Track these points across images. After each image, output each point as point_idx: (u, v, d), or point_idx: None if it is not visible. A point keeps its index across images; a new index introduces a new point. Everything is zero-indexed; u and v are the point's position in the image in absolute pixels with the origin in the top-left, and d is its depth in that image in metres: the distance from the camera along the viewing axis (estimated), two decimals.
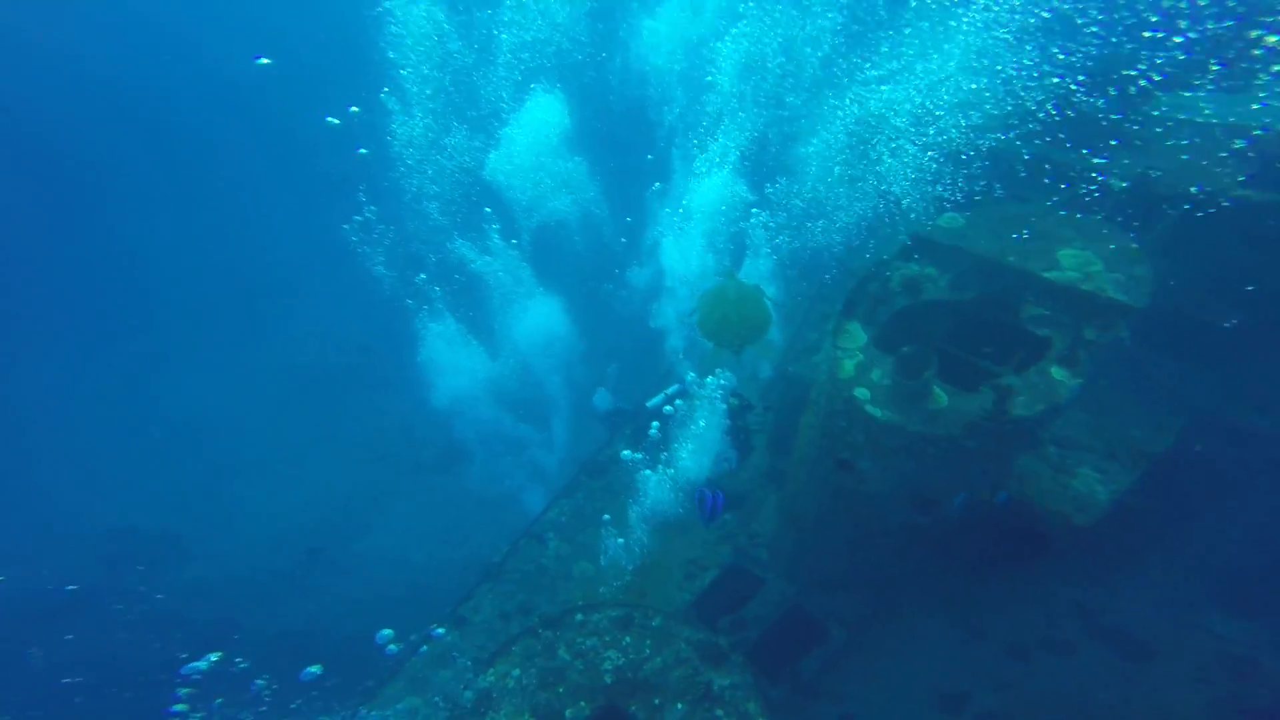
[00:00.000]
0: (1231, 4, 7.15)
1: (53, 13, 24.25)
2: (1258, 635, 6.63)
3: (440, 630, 8.10)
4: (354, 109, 14.35)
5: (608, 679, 6.27)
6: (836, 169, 8.27)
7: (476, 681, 6.42)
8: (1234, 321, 6.64)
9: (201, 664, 8.01)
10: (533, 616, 8.04)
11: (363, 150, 14.21)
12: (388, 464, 16.21)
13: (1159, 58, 7.43)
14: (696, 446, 8.03)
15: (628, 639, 6.62)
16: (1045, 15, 7.23)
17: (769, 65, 11.39)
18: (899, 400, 5.57)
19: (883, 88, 8.01)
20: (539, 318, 13.56)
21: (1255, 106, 7.16)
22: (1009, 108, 7.36)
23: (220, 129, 26.03)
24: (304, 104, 19.14)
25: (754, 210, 10.00)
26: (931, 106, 7.42)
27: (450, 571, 10.91)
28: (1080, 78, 7.27)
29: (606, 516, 8.63)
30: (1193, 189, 6.56)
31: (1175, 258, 6.54)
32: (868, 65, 8.66)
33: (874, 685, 6.96)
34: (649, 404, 9.79)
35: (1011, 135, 7.41)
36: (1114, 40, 7.43)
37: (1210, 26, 7.27)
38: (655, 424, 9.06)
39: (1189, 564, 7.17)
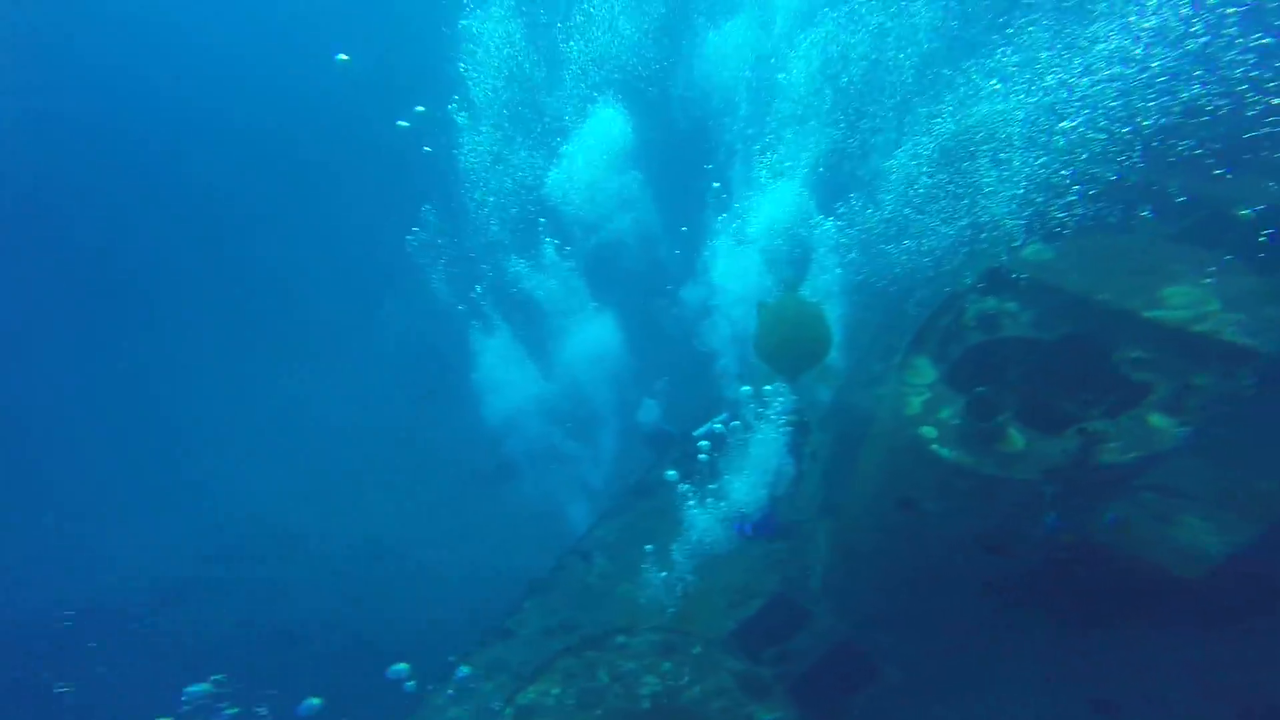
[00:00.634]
0: None
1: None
2: None
3: (465, 670, 7.83)
4: (420, 108, 14.69)
5: (645, 704, 6.17)
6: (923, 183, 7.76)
7: (516, 699, 6.40)
8: None
9: (204, 686, 7.52)
10: (574, 634, 7.99)
11: (427, 148, 14.39)
12: (445, 475, 16.57)
13: None
14: (750, 472, 7.78)
15: (667, 665, 6.50)
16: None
17: (850, 67, 10.66)
18: (969, 441, 5.25)
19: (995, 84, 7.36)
20: (592, 333, 13.58)
21: None
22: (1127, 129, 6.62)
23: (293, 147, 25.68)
24: (377, 109, 19.36)
25: (823, 220, 9.43)
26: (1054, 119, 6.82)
27: (497, 584, 11.01)
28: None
29: (649, 547, 8.37)
30: None
31: None
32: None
33: None
34: (695, 433, 9.52)
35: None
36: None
37: None
38: (705, 444, 8.87)
39: None
